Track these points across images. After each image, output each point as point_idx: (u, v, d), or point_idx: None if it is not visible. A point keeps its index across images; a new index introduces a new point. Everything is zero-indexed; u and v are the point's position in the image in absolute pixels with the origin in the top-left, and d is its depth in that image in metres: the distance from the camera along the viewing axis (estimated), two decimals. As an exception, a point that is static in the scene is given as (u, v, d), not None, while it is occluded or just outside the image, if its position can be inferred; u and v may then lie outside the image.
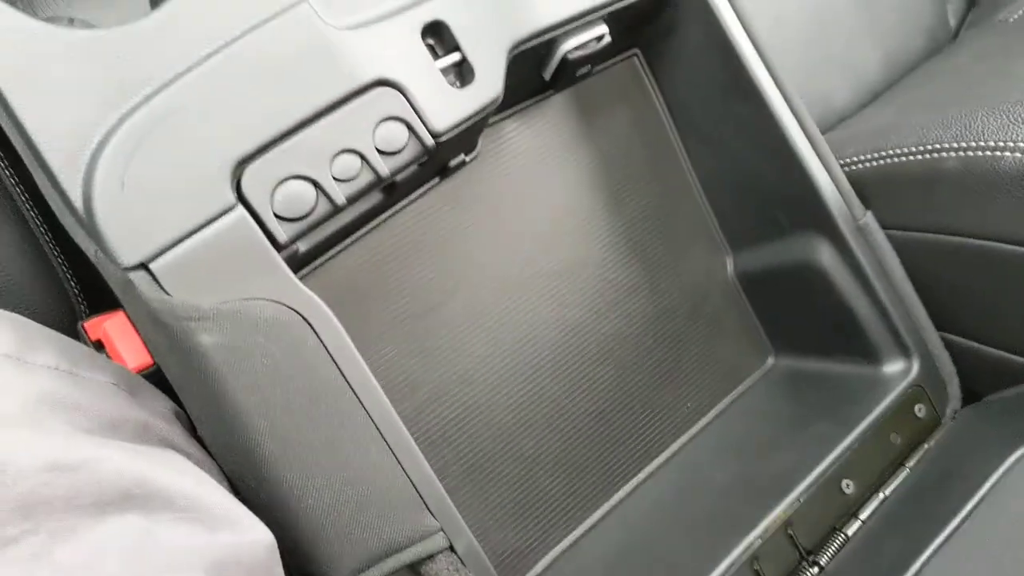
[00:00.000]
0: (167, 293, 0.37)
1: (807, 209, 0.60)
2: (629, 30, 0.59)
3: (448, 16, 0.46)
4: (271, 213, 0.40)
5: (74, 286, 0.49)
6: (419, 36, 0.45)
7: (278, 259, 0.39)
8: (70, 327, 0.46)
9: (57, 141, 0.36)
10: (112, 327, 0.43)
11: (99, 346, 0.44)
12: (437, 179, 0.57)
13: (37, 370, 0.36)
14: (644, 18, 0.58)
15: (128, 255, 0.37)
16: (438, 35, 0.46)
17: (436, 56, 0.46)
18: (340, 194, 0.42)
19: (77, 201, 0.37)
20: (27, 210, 0.46)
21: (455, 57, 0.46)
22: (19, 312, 0.45)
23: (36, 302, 0.48)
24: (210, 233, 0.38)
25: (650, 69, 0.65)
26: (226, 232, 0.38)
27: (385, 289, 0.55)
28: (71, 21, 0.43)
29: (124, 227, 0.37)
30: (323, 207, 0.42)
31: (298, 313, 0.39)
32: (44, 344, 0.37)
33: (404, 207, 0.56)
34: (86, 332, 0.44)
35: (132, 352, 0.42)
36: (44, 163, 0.37)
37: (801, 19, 0.80)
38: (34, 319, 0.43)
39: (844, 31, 0.83)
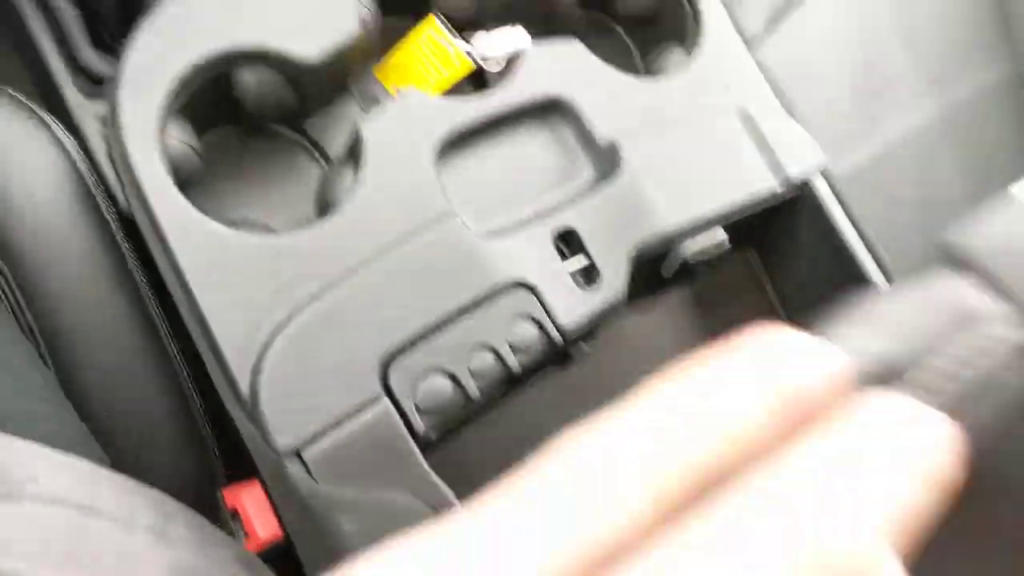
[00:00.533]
0: (314, 479, 0.40)
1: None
2: (746, 232, 0.62)
3: (578, 223, 0.49)
4: (412, 405, 0.43)
5: (217, 454, 0.53)
6: (551, 242, 0.49)
7: (416, 450, 0.42)
8: (208, 490, 0.49)
9: (233, 335, 0.41)
10: (249, 500, 0.46)
11: (234, 514, 0.46)
12: (556, 365, 0.59)
13: (175, 543, 0.39)
14: (761, 222, 0.61)
15: (284, 441, 0.40)
16: (567, 240, 0.50)
17: (564, 258, 0.49)
18: (475, 387, 0.44)
19: (244, 388, 0.41)
20: (190, 389, 0.50)
21: (583, 261, 0.49)
22: (165, 474, 0.49)
23: (182, 468, 0.52)
24: (357, 423, 0.41)
25: (764, 265, 0.68)
26: (371, 422, 0.41)
27: (499, 474, 0.56)
28: (251, 224, 0.49)
29: (283, 415, 0.40)
30: (458, 399, 0.44)
31: (431, 506, 0.41)
32: (180, 519, 0.41)
33: (523, 392, 0.58)
34: (224, 499, 0.47)
35: (265, 525, 0.45)
36: (219, 354, 0.41)
37: (912, 203, 0.81)
38: (178, 481, 0.47)
39: (953, 213, 0.83)
